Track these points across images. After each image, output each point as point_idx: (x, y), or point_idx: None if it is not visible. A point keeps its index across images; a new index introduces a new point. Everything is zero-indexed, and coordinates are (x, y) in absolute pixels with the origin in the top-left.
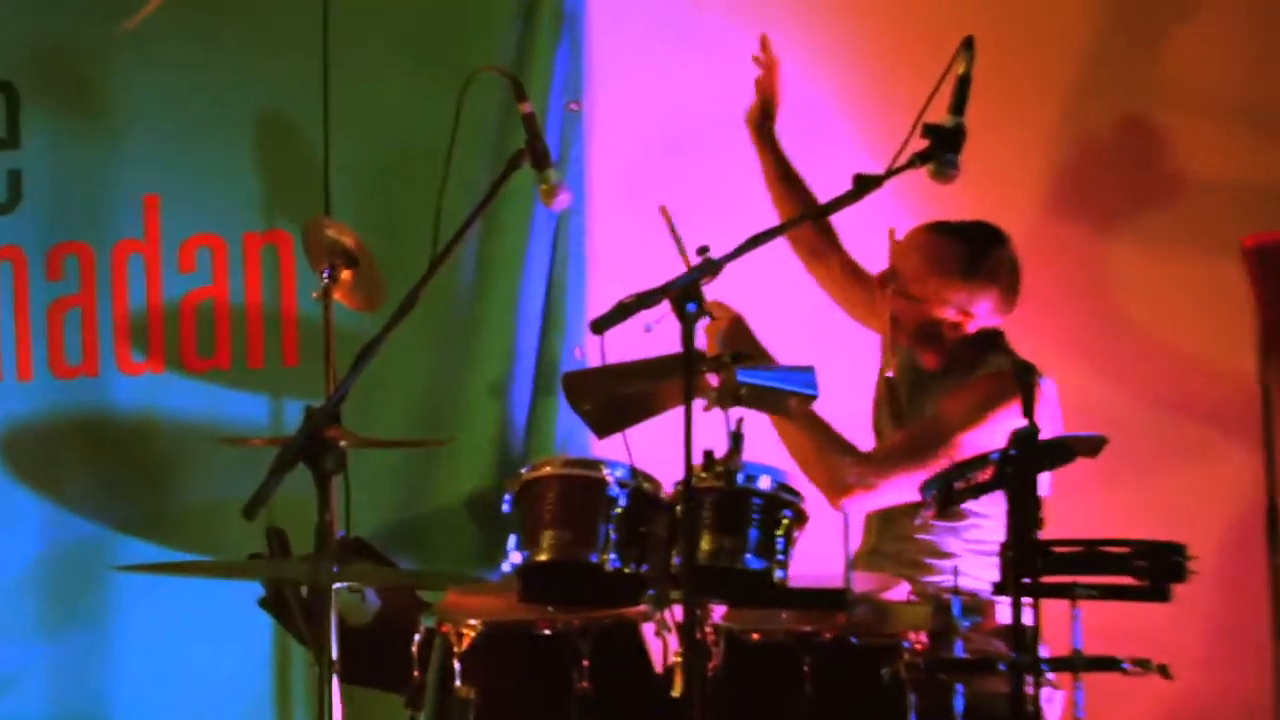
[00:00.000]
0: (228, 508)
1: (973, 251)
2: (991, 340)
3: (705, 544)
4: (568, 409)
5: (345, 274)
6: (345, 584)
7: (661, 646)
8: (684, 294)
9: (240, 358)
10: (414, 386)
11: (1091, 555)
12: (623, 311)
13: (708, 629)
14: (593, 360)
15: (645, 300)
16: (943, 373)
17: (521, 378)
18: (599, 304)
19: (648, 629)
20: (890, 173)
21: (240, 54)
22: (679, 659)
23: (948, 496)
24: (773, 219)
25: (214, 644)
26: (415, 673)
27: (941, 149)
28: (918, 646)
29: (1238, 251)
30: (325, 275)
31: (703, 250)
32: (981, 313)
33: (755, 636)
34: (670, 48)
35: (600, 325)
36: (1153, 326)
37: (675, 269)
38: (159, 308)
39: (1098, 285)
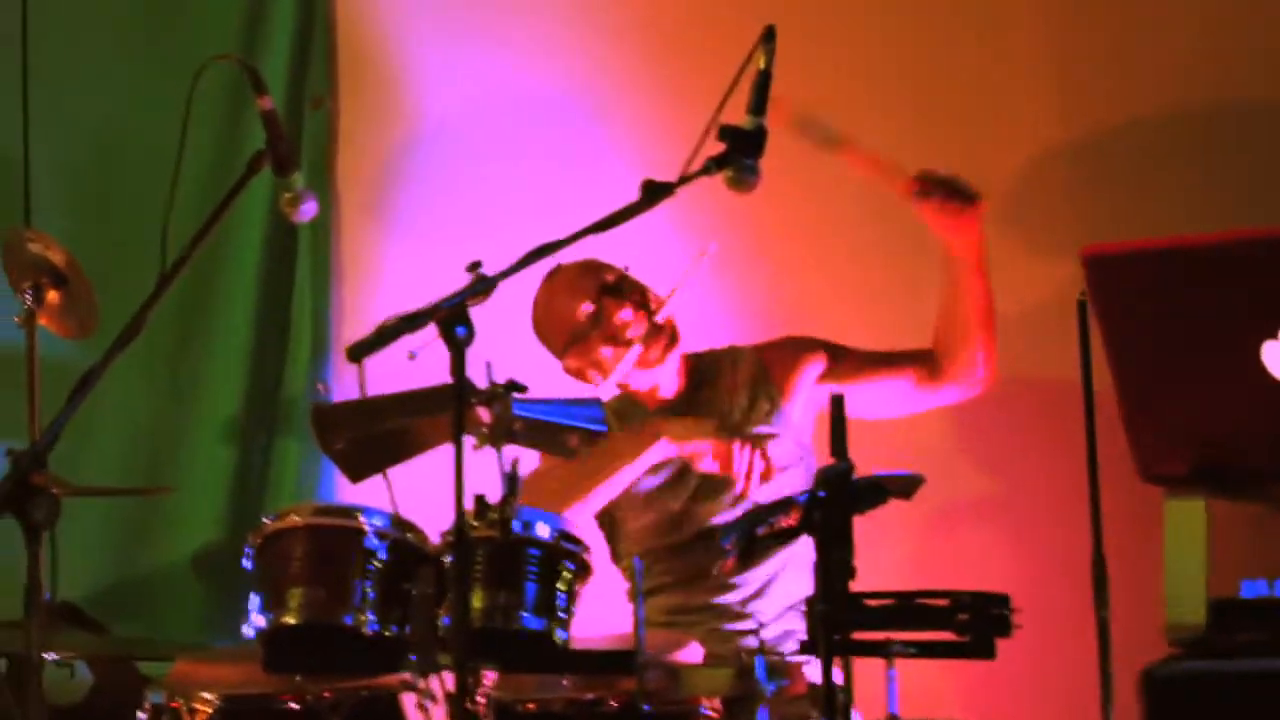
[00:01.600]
0: None
1: None
2: None
3: (477, 601)
4: (312, 452)
5: (51, 295)
6: (53, 656)
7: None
8: (452, 315)
9: None
10: (129, 427)
11: (908, 609)
12: (383, 336)
13: (478, 699)
14: (344, 394)
15: (409, 323)
16: None
17: (256, 416)
18: (347, 331)
19: (408, 699)
20: (683, 179)
21: None
22: None
23: (749, 545)
24: (545, 226)
25: None
26: None
27: (739, 153)
28: (714, 714)
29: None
30: (28, 297)
31: (474, 266)
32: None
33: (530, 706)
34: (426, 37)
35: (358, 352)
36: None
37: (435, 289)
38: None
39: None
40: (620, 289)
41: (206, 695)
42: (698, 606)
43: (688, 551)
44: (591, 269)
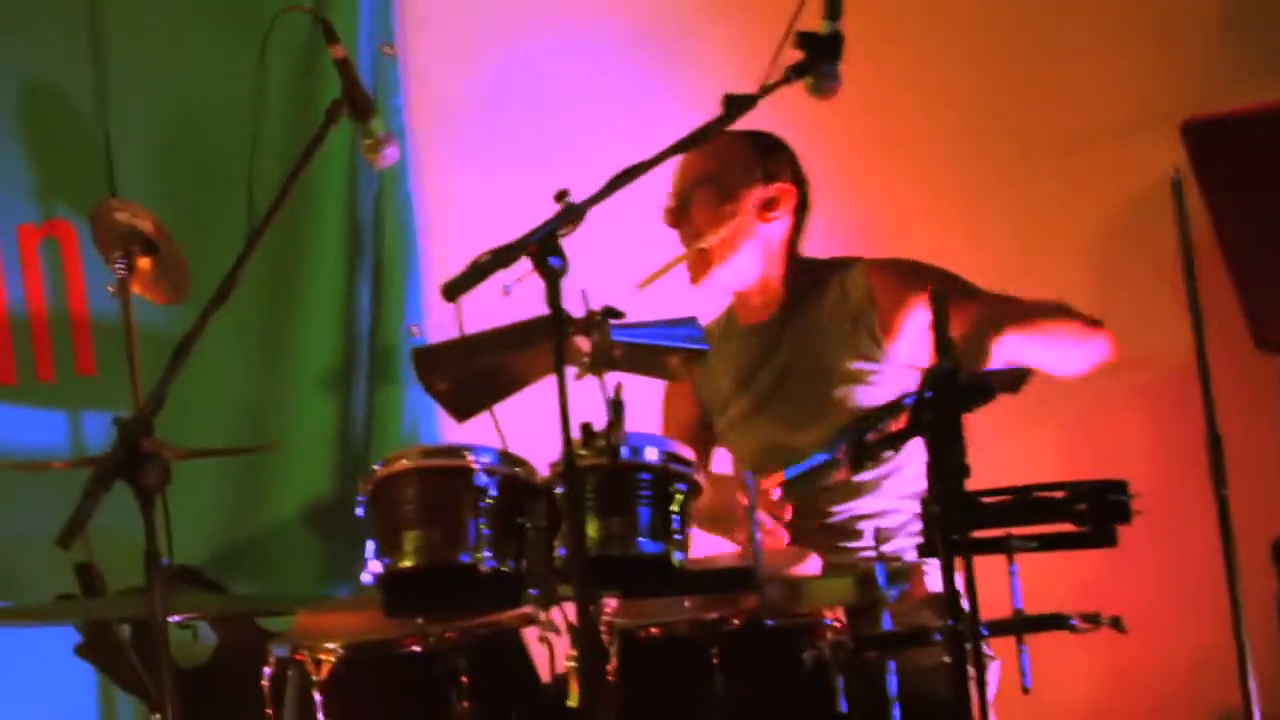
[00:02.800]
0: (27, 545)
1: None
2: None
3: (592, 530)
4: (413, 396)
5: (143, 262)
6: (175, 619)
7: (547, 652)
8: (544, 247)
9: (28, 370)
10: (231, 388)
11: (1025, 503)
12: (478, 272)
13: (601, 628)
14: (437, 336)
15: (502, 258)
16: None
17: (356, 366)
18: (435, 275)
19: (530, 634)
20: (764, 90)
21: None
22: (573, 664)
23: (860, 451)
24: (623, 155)
25: (26, 703)
26: (268, 711)
27: (818, 59)
28: (839, 624)
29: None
30: (120, 266)
31: (561, 195)
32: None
33: (655, 631)
34: None
35: (453, 290)
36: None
37: (517, 225)
38: None
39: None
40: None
41: (330, 645)
42: (806, 529)
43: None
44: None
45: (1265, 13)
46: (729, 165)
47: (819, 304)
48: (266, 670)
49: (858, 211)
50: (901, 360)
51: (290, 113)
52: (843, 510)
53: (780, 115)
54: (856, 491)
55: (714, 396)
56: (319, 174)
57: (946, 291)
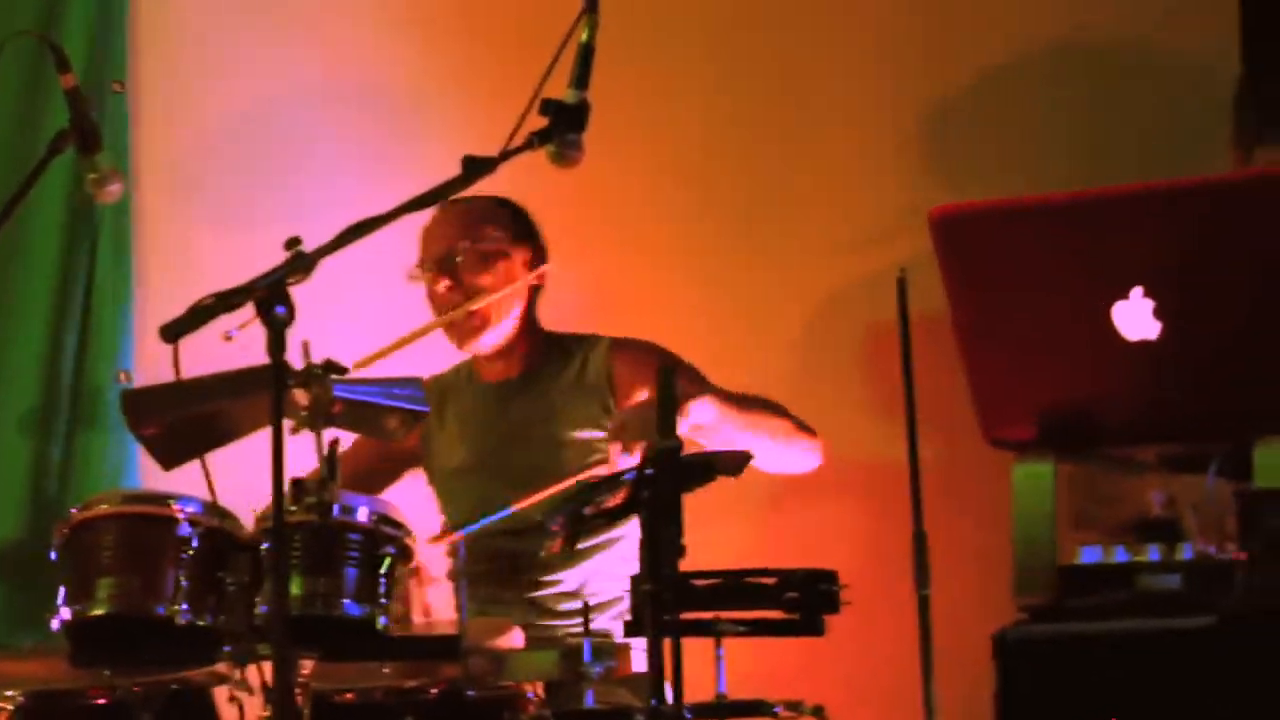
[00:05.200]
0: None
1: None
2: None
3: (296, 588)
4: (116, 443)
5: None
6: None
7: (237, 712)
8: (271, 294)
9: None
10: None
11: (736, 587)
12: (199, 315)
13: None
14: (147, 382)
15: (226, 302)
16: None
17: (57, 409)
18: (150, 319)
19: (220, 693)
20: (505, 154)
21: None
22: None
23: (577, 525)
24: (355, 212)
25: None
26: None
27: (563, 127)
28: (538, 699)
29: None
30: None
31: (293, 243)
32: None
33: (349, 696)
34: (228, 24)
35: (173, 331)
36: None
37: (243, 272)
38: None
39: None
40: (449, 261)
41: (9, 692)
42: (512, 600)
43: (506, 540)
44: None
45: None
46: (496, 227)
47: (559, 373)
48: None
49: (587, 283)
50: None
51: (9, 140)
52: (553, 580)
53: (514, 182)
54: (567, 564)
55: (435, 445)
56: (33, 208)
57: (673, 368)
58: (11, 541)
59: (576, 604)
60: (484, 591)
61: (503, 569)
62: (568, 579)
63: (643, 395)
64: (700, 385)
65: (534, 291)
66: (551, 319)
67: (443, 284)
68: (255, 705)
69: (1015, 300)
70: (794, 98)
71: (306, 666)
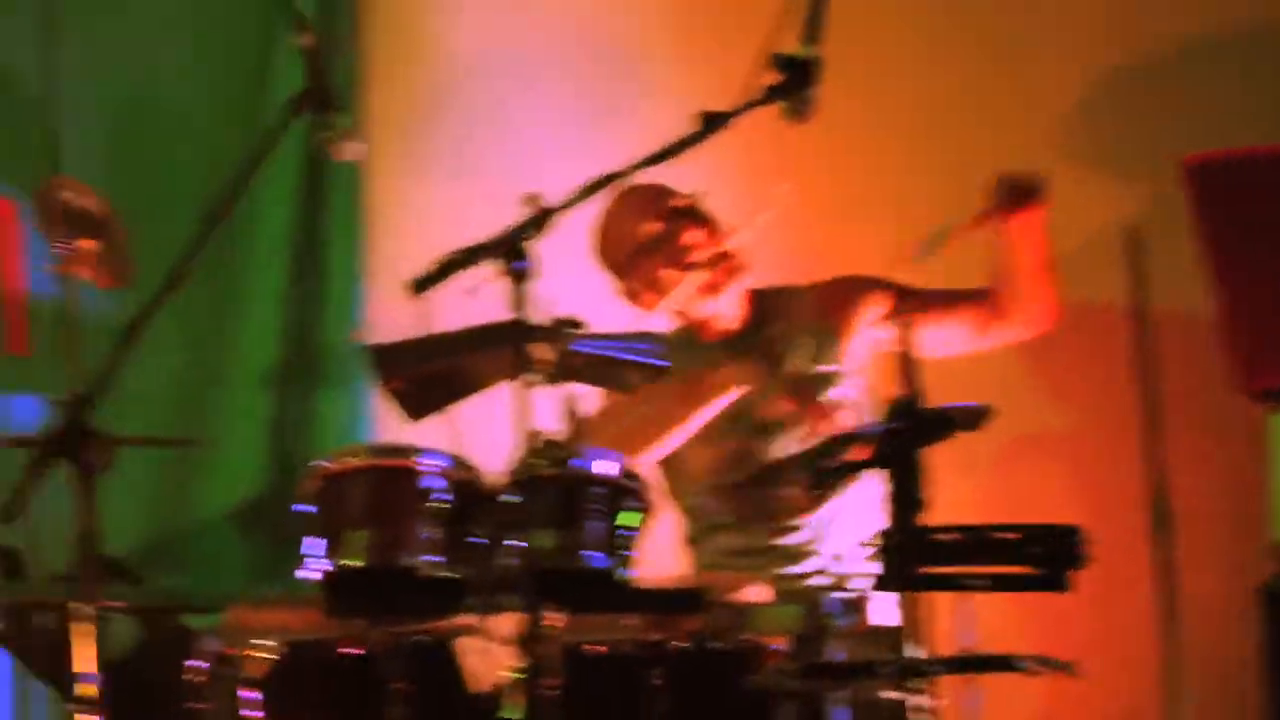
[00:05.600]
0: None
1: None
2: None
3: (543, 542)
4: (352, 399)
5: (87, 245)
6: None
7: (479, 664)
8: (512, 250)
9: None
10: (166, 380)
11: (979, 542)
12: (445, 269)
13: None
14: (382, 338)
15: (471, 256)
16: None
17: (293, 366)
18: (381, 276)
19: (465, 643)
20: (739, 109)
21: None
22: (513, 677)
23: (820, 478)
24: (592, 166)
25: None
26: (194, 706)
27: (795, 83)
28: (783, 651)
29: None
30: (64, 247)
31: (532, 198)
32: None
33: (601, 649)
34: None
35: (421, 285)
36: None
37: (471, 226)
38: None
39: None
40: (690, 213)
41: (267, 642)
42: (759, 548)
43: (749, 490)
44: (662, 191)
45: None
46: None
47: (776, 324)
48: (196, 665)
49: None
50: (856, 361)
51: (244, 100)
52: (793, 525)
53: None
54: (807, 510)
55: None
56: (267, 169)
57: (910, 319)
58: (251, 497)
59: (817, 551)
60: (724, 541)
61: (746, 516)
62: (807, 527)
63: (858, 313)
64: (911, 293)
65: None
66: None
67: (694, 231)
68: (501, 656)
69: (1271, 247)
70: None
71: (554, 618)
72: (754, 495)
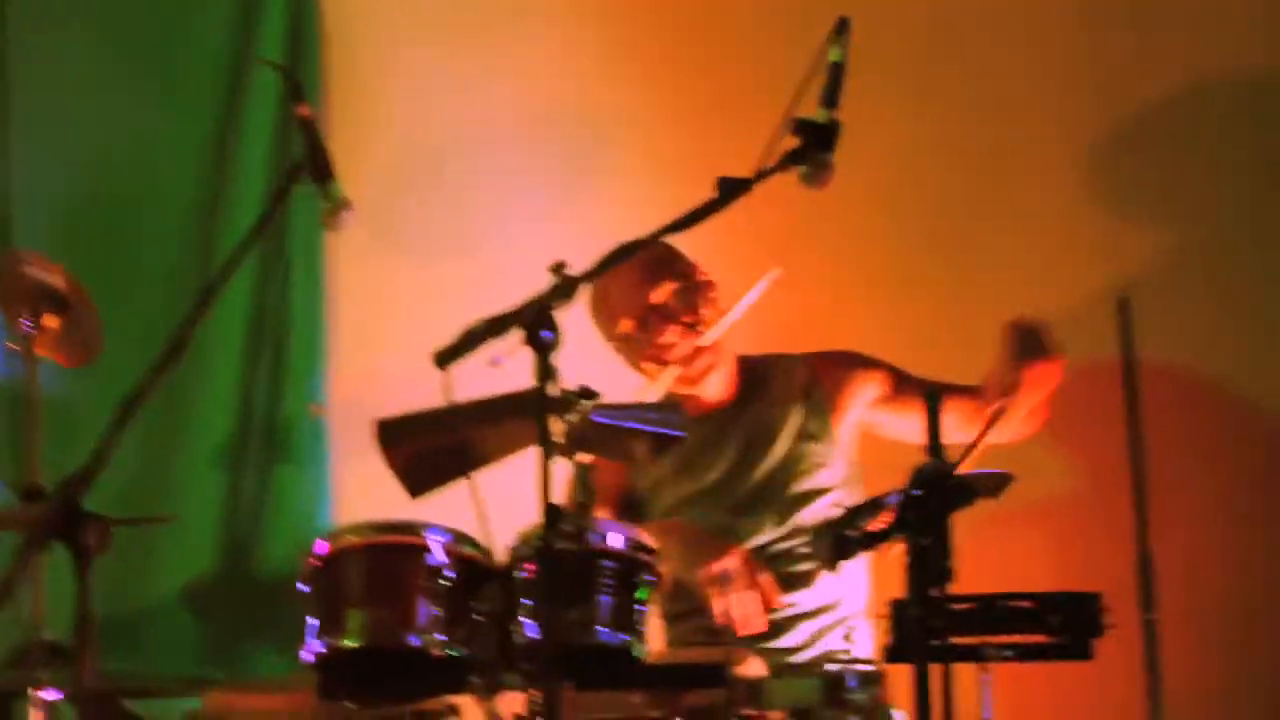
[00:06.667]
0: None
1: None
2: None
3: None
4: (310, 477)
5: (50, 321)
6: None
7: None
8: (538, 319)
9: None
10: (121, 456)
11: (995, 611)
12: (469, 340)
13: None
14: (342, 414)
15: (494, 327)
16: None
17: (250, 444)
18: (344, 350)
19: None
20: (760, 175)
21: None
22: None
23: (842, 548)
24: (560, 242)
25: None
26: None
27: (814, 147)
28: None
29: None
30: (27, 324)
31: (558, 267)
32: None
33: None
34: (421, 48)
35: (445, 357)
36: None
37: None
38: None
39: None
40: (665, 310)
41: None
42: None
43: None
44: (643, 281)
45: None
46: (683, 262)
47: (767, 395)
48: None
49: (795, 305)
50: (846, 440)
51: (210, 170)
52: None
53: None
54: (799, 585)
55: (648, 480)
56: (228, 242)
57: (940, 389)
58: (203, 576)
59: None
60: (702, 622)
61: None
62: (802, 599)
63: (853, 392)
64: (908, 380)
65: None
66: (748, 339)
67: (669, 332)
68: None
69: None
70: (986, 127)
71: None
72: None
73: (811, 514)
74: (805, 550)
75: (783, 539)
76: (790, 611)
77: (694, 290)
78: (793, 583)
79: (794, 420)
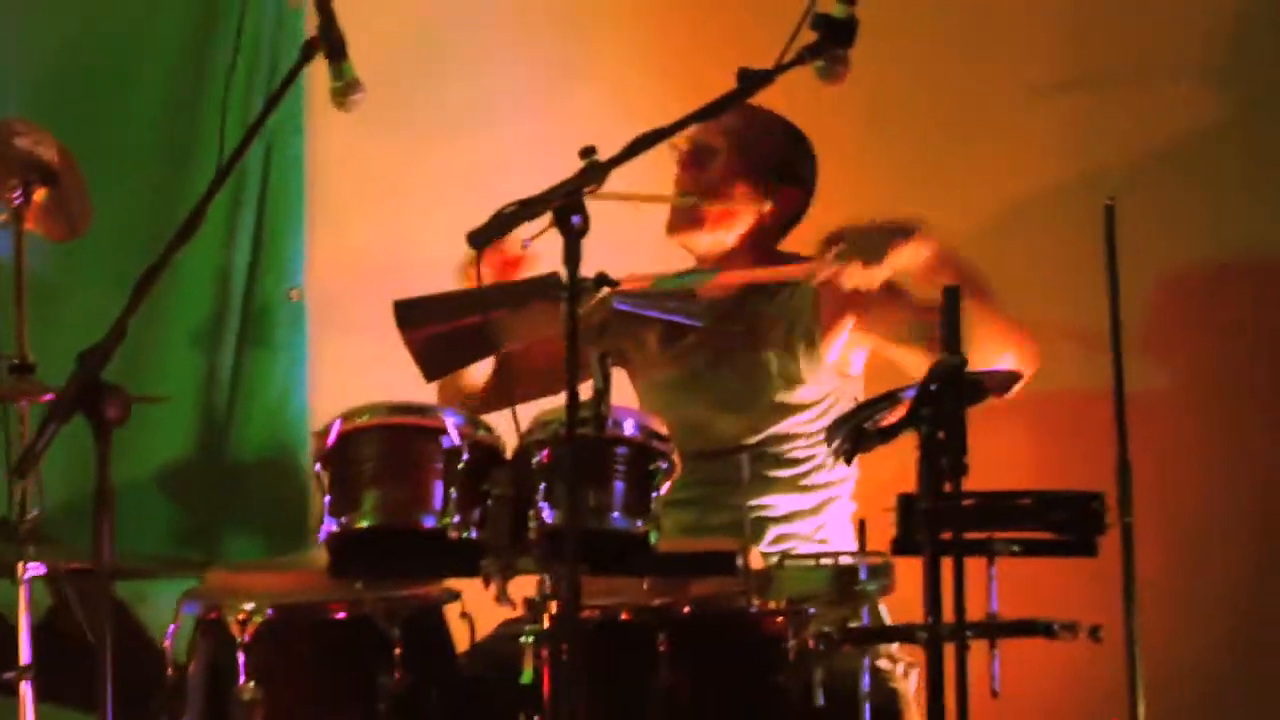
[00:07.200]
0: None
1: None
2: None
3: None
4: (286, 361)
5: (39, 194)
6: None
7: (467, 627)
8: (568, 204)
9: None
10: (98, 333)
11: (1001, 508)
12: (501, 223)
13: (553, 605)
14: (319, 298)
15: (526, 209)
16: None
17: (227, 325)
18: (318, 236)
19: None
20: (779, 68)
21: None
22: (529, 641)
23: (858, 440)
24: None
25: None
26: (170, 672)
27: (832, 42)
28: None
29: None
30: (16, 197)
31: (587, 152)
32: None
33: (625, 616)
34: None
35: (478, 238)
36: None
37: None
38: None
39: None
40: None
41: (255, 605)
42: (714, 526)
43: (708, 464)
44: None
45: None
46: (763, 143)
47: (771, 299)
48: (171, 629)
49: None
50: (828, 363)
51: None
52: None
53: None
54: (763, 490)
55: (638, 346)
56: (207, 118)
57: (959, 286)
58: (178, 457)
59: (781, 529)
60: (681, 518)
61: (705, 495)
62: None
63: (845, 326)
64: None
65: (775, 223)
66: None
67: (690, 167)
68: (490, 620)
69: None
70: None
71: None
72: (711, 470)
73: (789, 425)
74: (779, 456)
75: (759, 444)
76: (762, 514)
77: (727, 153)
78: (764, 487)
79: (782, 335)
